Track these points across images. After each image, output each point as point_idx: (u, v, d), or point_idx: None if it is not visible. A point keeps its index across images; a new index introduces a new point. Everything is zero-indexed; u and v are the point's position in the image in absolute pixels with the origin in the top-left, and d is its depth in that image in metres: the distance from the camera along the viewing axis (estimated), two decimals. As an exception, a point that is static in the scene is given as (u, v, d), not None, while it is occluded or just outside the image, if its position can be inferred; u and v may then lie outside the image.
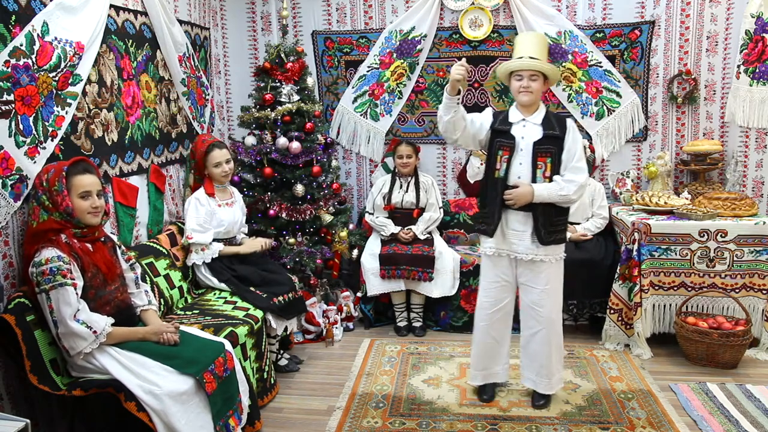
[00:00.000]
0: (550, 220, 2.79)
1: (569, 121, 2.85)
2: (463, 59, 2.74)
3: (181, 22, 3.76)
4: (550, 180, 2.77)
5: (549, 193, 2.75)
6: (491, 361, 3.03)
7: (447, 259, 3.93)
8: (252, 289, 3.25)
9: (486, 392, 3.04)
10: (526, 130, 2.81)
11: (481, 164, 4.53)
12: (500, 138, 2.82)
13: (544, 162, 2.77)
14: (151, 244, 3.21)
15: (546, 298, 2.86)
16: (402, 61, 4.45)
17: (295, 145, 3.84)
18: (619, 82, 4.30)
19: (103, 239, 2.45)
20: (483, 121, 2.88)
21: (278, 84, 3.99)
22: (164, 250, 3.23)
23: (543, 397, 2.98)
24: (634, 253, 3.53)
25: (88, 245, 2.36)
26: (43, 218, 2.29)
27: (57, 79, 2.53)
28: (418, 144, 4.36)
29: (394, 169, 4.27)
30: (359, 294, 4.08)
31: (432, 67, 4.49)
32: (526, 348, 3.00)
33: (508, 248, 2.86)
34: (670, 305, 3.57)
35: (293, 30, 4.54)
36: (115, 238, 2.60)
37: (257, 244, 3.49)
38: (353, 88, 4.56)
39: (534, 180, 2.78)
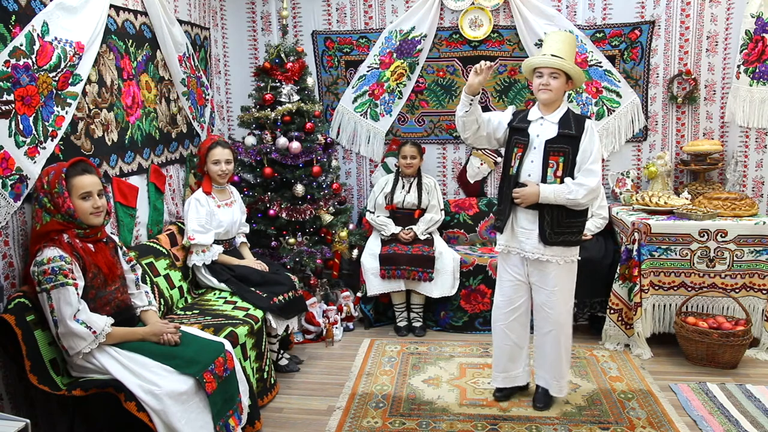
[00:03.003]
0: (558, 221, 2.74)
1: (588, 122, 2.77)
2: (487, 63, 2.69)
3: (181, 22, 3.76)
4: (561, 180, 2.72)
5: (555, 195, 2.69)
6: (511, 363, 3.00)
7: (447, 259, 3.93)
8: (252, 288, 3.24)
9: (501, 391, 3.02)
10: (543, 128, 2.78)
11: (481, 164, 4.55)
12: (516, 135, 2.83)
13: (556, 161, 2.73)
14: (151, 244, 3.21)
15: (555, 300, 2.82)
16: (402, 61, 4.45)
17: (295, 145, 3.84)
18: (619, 82, 4.30)
19: (105, 240, 2.45)
20: (501, 119, 2.89)
21: (278, 84, 3.99)
22: (164, 250, 3.23)
23: (547, 398, 2.97)
24: (634, 253, 3.53)
25: (90, 245, 2.36)
26: (46, 220, 2.29)
27: (57, 79, 2.53)
28: (423, 145, 4.34)
29: (398, 169, 4.27)
30: (359, 294, 4.08)
31: (432, 67, 4.49)
32: (540, 347, 2.96)
33: (517, 246, 2.86)
34: (670, 305, 3.57)
35: (293, 30, 4.54)
36: (116, 239, 2.60)
37: (257, 265, 3.45)
38: (353, 88, 4.56)
39: (544, 179, 2.74)
